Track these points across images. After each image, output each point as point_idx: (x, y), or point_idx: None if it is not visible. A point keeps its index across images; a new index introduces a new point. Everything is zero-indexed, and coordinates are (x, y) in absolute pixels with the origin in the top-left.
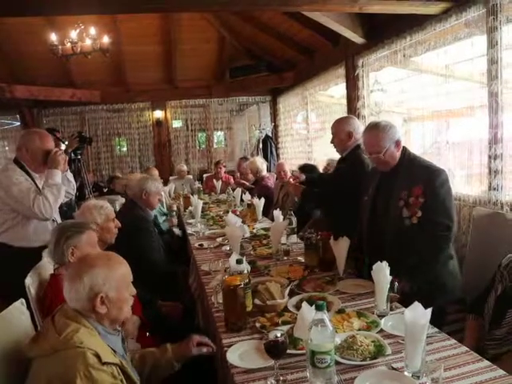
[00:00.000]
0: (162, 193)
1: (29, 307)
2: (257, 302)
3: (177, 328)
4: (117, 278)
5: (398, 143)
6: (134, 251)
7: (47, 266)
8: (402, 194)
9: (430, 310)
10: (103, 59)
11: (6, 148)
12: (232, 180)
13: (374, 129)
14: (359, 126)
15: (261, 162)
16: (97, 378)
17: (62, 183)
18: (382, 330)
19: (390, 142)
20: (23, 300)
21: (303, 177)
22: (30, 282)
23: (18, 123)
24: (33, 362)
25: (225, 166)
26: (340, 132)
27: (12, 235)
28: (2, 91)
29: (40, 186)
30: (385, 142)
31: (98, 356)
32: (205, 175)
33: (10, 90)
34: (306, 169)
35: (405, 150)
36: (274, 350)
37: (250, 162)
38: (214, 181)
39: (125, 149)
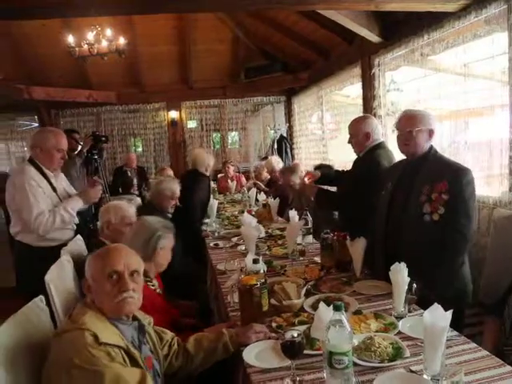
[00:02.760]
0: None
1: (48, 304)
2: (273, 301)
3: (193, 328)
4: (95, 263)
5: (431, 132)
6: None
7: (66, 263)
8: (425, 188)
9: (450, 312)
10: (119, 60)
11: (25, 149)
12: (243, 179)
13: (416, 111)
14: (377, 126)
15: (276, 162)
16: (94, 355)
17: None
18: (399, 332)
19: (425, 125)
20: (42, 297)
21: (319, 174)
22: (50, 278)
23: (36, 124)
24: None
25: (233, 165)
26: (358, 133)
27: (26, 236)
28: (20, 93)
29: (55, 185)
30: (422, 121)
31: (95, 336)
32: (219, 175)
33: (28, 92)
34: (323, 169)
35: (431, 146)
36: (290, 350)
37: (266, 162)
38: (229, 181)
39: (140, 149)
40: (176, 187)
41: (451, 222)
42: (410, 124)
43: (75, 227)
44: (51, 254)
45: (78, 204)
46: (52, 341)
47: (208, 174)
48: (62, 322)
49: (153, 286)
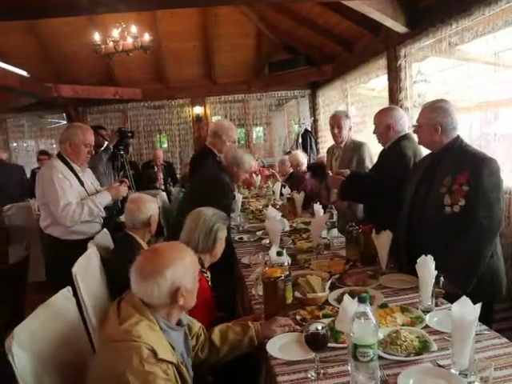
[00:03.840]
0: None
1: (75, 295)
2: (297, 294)
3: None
4: (192, 269)
5: (435, 128)
6: None
7: (93, 256)
8: (445, 180)
9: (478, 305)
10: (144, 57)
11: (54, 146)
12: (266, 172)
13: (430, 103)
14: (402, 117)
15: (302, 156)
16: (149, 371)
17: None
18: (426, 326)
19: (427, 121)
20: (69, 288)
21: (348, 172)
22: (77, 270)
23: (65, 121)
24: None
25: (257, 160)
26: (379, 124)
27: (55, 229)
28: (48, 91)
29: (82, 180)
30: (424, 117)
31: (153, 351)
32: None
33: (56, 90)
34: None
35: (457, 138)
36: (314, 342)
37: (291, 155)
38: (254, 175)
39: (165, 145)
40: (253, 164)
41: (471, 213)
42: (418, 119)
43: (102, 221)
44: (79, 247)
45: (106, 198)
46: (101, 344)
47: None
48: (111, 326)
49: (207, 277)
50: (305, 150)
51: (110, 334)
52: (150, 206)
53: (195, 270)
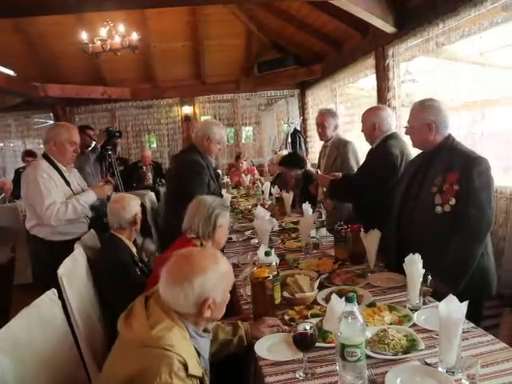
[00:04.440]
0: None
1: (61, 297)
2: (285, 294)
3: None
4: (225, 282)
5: (430, 126)
6: (182, 199)
7: (79, 257)
8: (437, 179)
9: (465, 303)
10: (132, 56)
11: (41, 146)
12: (256, 171)
13: (419, 103)
14: (387, 116)
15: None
16: None
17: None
18: (414, 325)
19: (420, 120)
20: (55, 290)
21: (340, 175)
22: (63, 272)
23: (52, 121)
24: (119, 337)
25: (246, 160)
26: (366, 123)
27: (41, 229)
28: (36, 90)
29: (68, 179)
30: (416, 117)
31: (185, 365)
32: (232, 169)
33: (44, 89)
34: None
35: (449, 136)
36: (302, 342)
37: (277, 155)
38: (243, 175)
39: (154, 145)
40: (223, 134)
41: (462, 213)
42: (409, 119)
43: (89, 221)
44: (66, 248)
45: (91, 197)
46: (124, 344)
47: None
48: (139, 327)
49: None
50: (294, 149)
51: (138, 337)
52: (134, 203)
53: (228, 282)
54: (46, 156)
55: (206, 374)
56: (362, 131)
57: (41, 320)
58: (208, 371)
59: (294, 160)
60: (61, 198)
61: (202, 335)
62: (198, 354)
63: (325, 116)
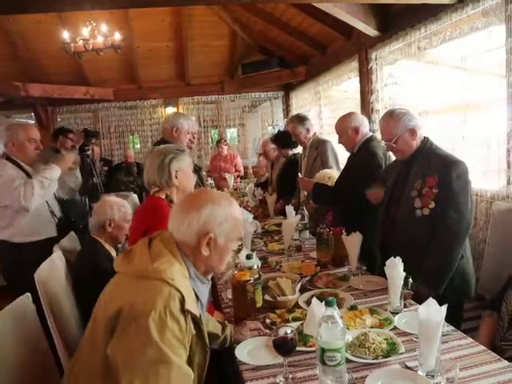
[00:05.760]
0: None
1: (36, 301)
2: (267, 297)
3: None
4: (232, 225)
5: (412, 131)
6: None
7: (58, 260)
8: (416, 183)
9: (445, 306)
10: (115, 56)
11: None
12: (238, 159)
13: (388, 116)
14: (363, 119)
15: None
16: (167, 325)
17: (64, 180)
18: (395, 328)
19: (402, 130)
20: (29, 294)
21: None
22: (40, 276)
23: (33, 121)
24: (116, 274)
25: (226, 145)
26: (346, 129)
27: (2, 232)
28: (17, 90)
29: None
30: (396, 129)
31: (181, 303)
32: (212, 155)
33: (25, 89)
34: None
35: (426, 140)
36: (282, 346)
37: (263, 143)
38: (226, 175)
39: (138, 146)
40: (191, 122)
41: (441, 216)
42: (387, 137)
43: (57, 221)
44: (35, 250)
45: (54, 171)
46: (120, 278)
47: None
48: (140, 262)
49: None
50: None
51: (138, 269)
52: (111, 209)
53: (236, 227)
54: (8, 158)
55: (202, 321)
56: (340, 142)
57: (13, 325)
58: (205, 319)
59: (288, 140)
60: (23, 178)
61: (201, 280)
62: (197, 297)
63: (292, 124)
